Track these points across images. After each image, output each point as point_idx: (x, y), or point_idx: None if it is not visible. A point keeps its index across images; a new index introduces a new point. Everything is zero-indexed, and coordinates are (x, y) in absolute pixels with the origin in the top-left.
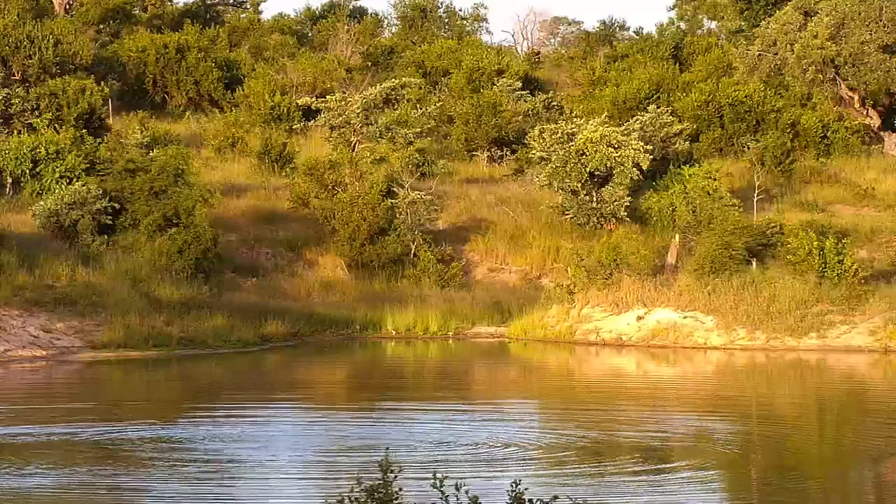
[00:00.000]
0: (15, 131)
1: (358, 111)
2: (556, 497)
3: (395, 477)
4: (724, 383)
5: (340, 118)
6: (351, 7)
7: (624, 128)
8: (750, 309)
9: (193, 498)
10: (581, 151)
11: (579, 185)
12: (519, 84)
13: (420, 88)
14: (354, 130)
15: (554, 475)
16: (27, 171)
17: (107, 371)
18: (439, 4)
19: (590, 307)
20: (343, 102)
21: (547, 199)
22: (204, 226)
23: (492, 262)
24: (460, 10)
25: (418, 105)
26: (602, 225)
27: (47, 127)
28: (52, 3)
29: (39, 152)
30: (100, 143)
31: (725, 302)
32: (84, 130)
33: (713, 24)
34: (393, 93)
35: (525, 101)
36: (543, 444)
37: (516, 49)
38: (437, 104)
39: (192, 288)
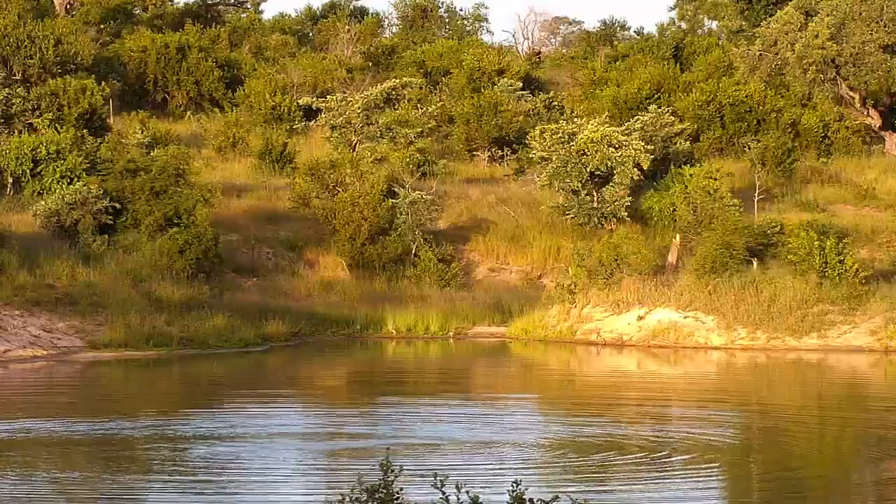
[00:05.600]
0: (16, 131)
1: (359, 111)
2: (556, 497)
3: (396, 477)
4: (725, 383)
5: (341, 118)
6: (351, 7)
7: (625, 128)
8: (751, 309)
9: (194, 497)
10: (582, 151)
11: (580, 184)
12: (519, 84)
13: (421, 88)
14: (355, 130)
15: (555, 474)
16: (28, 171)
17: (107, 371)
18: (440, 4)
19: (590, 307)
20: (344, 102)
21: (548, 199)
22: (205, 226)
23: (492, 261)
24: (461, 10)
25: (419, 105)
26: (603, 225)
27: (48, 127)
28: (52, 2)
29: (40, 152)
30: (100, 143)
31: (726, 302)
32: (85, 130)
33: (714, 24)
34: (393, 93)
35: (526, 100)
36: (544, 443)
37: (517, 49)
38: (438, 104)
39: (192, 288)
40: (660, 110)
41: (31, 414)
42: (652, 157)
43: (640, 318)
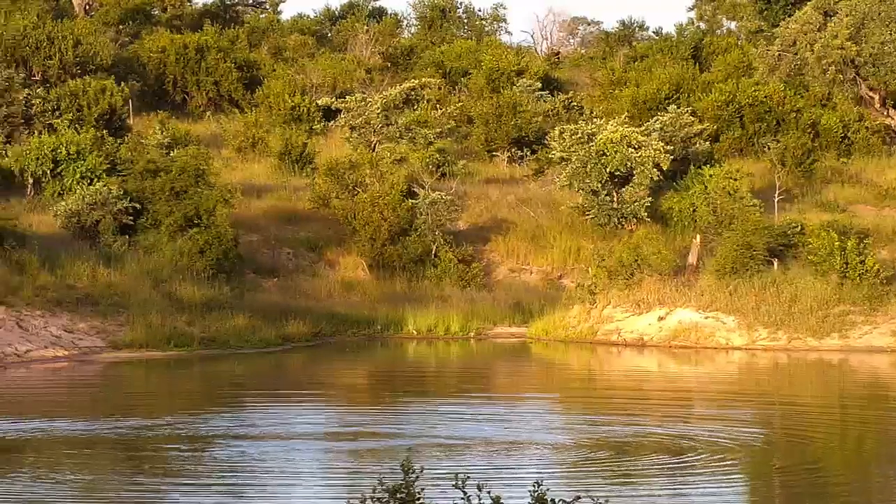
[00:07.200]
0: (36, 132)
1: (378, 111)
2: (578, 497)
3: (417, 477)
4: (746, 383)
5: (360, 118)
6: (370, 7)
7: (644, 128)
8: (771, 309)
9: (214, 497)
10: (601, 152)
11: (599, 185)
12: (538, 84)
13: (440, 89)
14: (374, 131)
15: (576, 474)
16: (48, 172)
17: (128, 371)
18: (458, 4)
19: (611, 307)
20: (363, 103)
21: (567, 200)
22: (225, 226)
23: (513, 262)
24: (479, 11)
25: (438, 105)
26: (623, 225)
27: (68, 127)
28: (71, 3)
29: (60, 153)
30: (120, 144)
31: (747, 302)
32: (105, 131)
33: (733, 25)
34: (412, 93)
35: (545, 101)
36: (566, 443)
37: (536, 49)
38: (457, 104)
39: (213, 288)
40: (679, 110)
41: (52, 414)
42: (671, 157)
43: (661, 318)
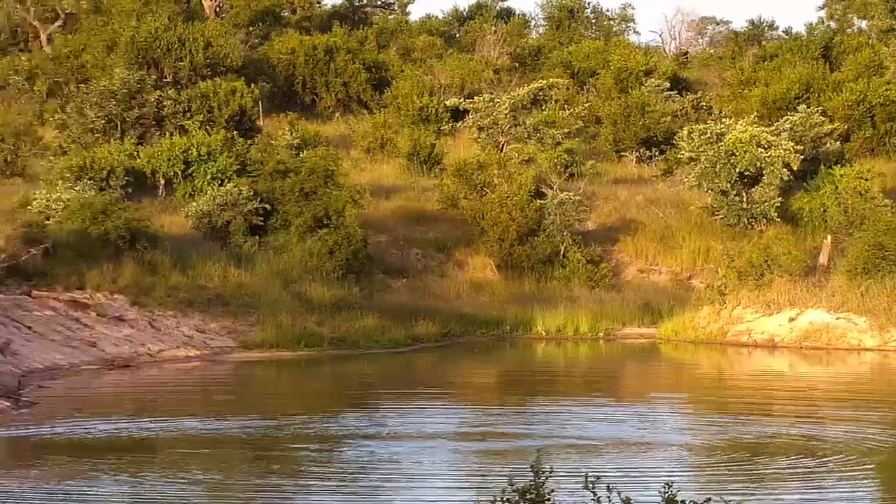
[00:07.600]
0: (167, 133)
1: (506, 112)
2: (709, 499)
3: (547, 478)
4: (878, 384)
5: (488, 119)
6: (498, 8)
7: (774, 128)
8: None
9: (345, 497)
10: (730, 152)
11: (729, 185)
12: (667, 84)
13: (568, 89)
14: (502, 131)
15: (708, 476)
16: (179, 173)
17: (259, 371)
18: (586, 5)
19: (741, 308)
20: (491, 103)
21: (696, 200)
22: (354, 227)
23: (641, 262)
24: (607, 11)
25: (566, 105)
26: (752, 225)
27: (199, 129)
28: (202, 5)
29: (191, 154)
30: (250, 145)
31: (879, 303)
32: (235, 132)
33: (863, 23)
34: (540, 93)
35: (673, 101)
36: (697, 445)
37: (664, 49)
38: (585, 104)
39: (342, 288)
40: (809, 110)
41: (183, 413)
42: (802, 157)
43: (792, 319)
